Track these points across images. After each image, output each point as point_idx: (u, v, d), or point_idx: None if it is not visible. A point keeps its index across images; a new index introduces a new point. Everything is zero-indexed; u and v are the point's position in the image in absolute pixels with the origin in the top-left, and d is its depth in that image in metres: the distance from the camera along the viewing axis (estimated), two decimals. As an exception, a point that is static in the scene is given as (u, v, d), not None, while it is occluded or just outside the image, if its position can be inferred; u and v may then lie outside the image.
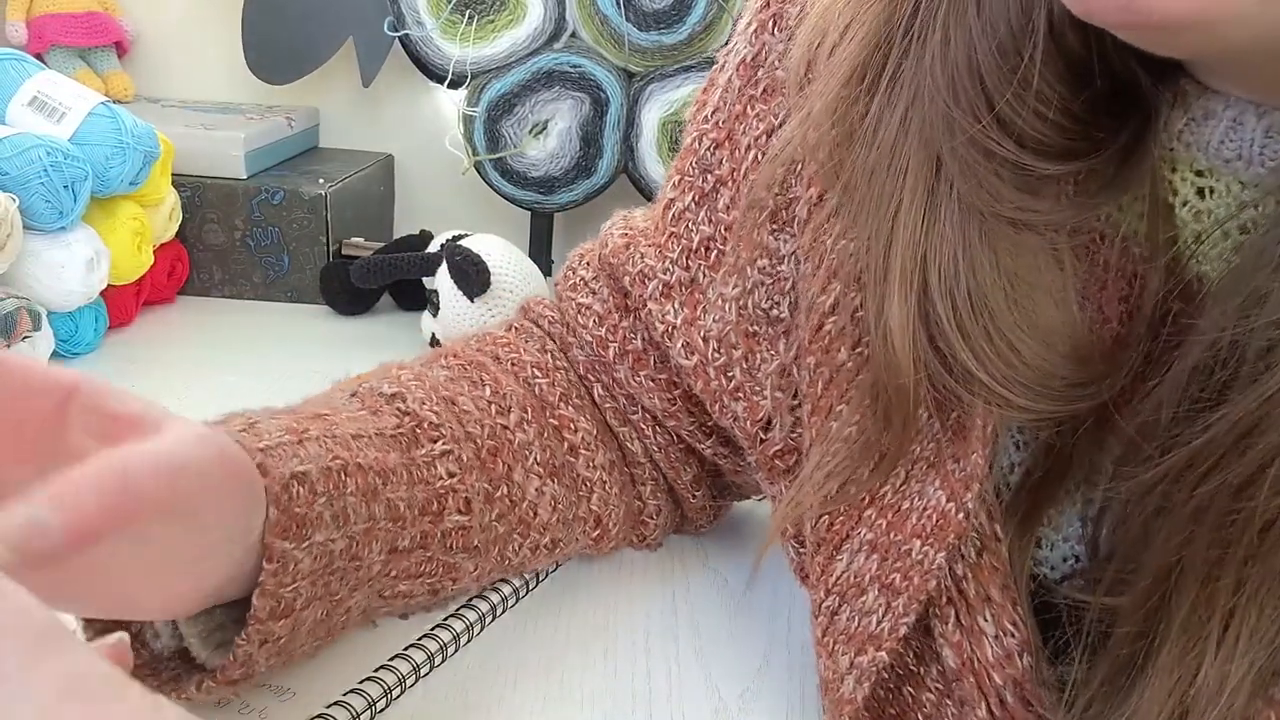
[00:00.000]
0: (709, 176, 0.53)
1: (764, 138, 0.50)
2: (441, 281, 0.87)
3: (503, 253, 0.88)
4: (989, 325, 0.37)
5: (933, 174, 0.38)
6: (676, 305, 0.54)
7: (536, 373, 0.58)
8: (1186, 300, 0.37)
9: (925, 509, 0.41)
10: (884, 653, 0.42)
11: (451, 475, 0.50)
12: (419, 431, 0.50)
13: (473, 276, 0.85)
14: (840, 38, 0.42)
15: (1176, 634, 0.33)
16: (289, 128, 1.09)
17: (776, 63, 0.49)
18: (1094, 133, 0.37)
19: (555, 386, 0.58)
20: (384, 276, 0.93)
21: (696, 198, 0.53)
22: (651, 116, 1.05)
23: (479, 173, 1.07)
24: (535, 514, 0.54)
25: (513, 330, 0.61)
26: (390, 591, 0.48)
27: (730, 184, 0.52)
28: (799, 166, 0.46)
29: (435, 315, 0.89)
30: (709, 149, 0.52)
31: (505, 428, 0.54)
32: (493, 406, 0.54)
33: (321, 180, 1.01)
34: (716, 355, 0.52)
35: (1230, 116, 0.36)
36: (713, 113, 0.52)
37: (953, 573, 0.41)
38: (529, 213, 1.12)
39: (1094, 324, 0.38)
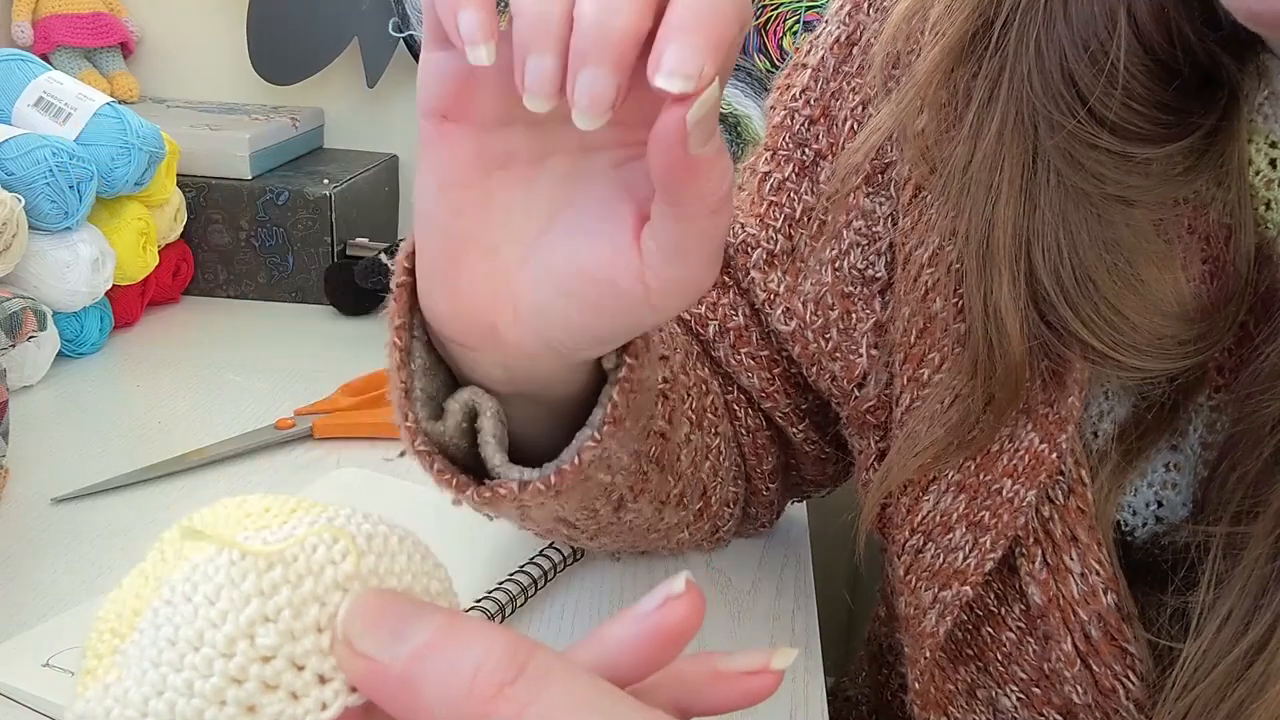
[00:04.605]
0: (807, 150, 0.53)
1: (860, 108, 0.51)
2: (446, 282, 0.87)
3: (507, 253, 0.87)
4: (1094, 295, 0.39)
5: (1029, 166, 0.40)
6: (779, 274, 0.54)
7: (674, 326, 0.55)
8: (1262, 262, 0.39)
9: (1017, 450, 0.43)
10: (969, 587, 0.44)
11: (665, 381, 0.48)
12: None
13: (477, 277, 0.84)
14: (932, 36, 0.44)
15: None
16: (294, 128, 1.09)
17: (872, 40, 0.50)
18: (1186, 117, 0.39)
19: (692, 346, 0.56)
20: (389, 277, 0.93)
21: (796, 169, 0.54)
22: (656, 117, 1.04)
23: (483, 173, 1.07)
24: (679, 458, 0.51)
25: None
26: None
27: (830, 157, 0.53)
28: (895, 135, 0.48)
29: (439, 316, 0.89)
30: (803, 125, 0.53)
31: (671, 369, 0.51)
32: (662, 346, 0.51)
33: (326, 181, 1.01)
34: (815, 318, 0.53)
35: None
36: (802, 91, 0.54)
37: (1039, 514, 0.43)
38: (533, 213, 1.12)
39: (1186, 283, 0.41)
